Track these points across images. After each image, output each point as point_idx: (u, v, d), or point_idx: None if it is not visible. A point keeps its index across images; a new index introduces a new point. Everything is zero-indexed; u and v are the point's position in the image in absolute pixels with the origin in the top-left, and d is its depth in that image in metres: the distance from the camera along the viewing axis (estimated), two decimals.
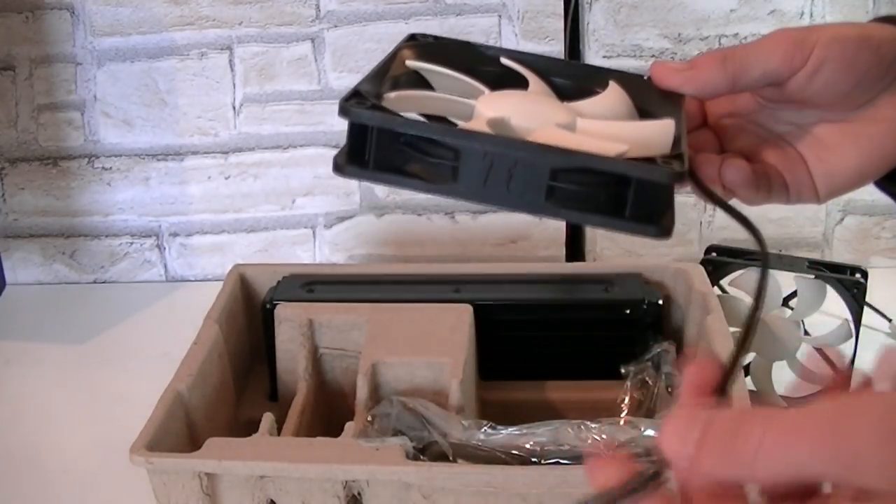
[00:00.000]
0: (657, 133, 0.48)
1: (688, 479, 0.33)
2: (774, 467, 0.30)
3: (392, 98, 0.48)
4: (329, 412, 0.76)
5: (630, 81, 0.53)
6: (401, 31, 0.98)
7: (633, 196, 0.44)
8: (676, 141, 0.47)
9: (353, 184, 1.03)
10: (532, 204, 0.45)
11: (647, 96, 0.52)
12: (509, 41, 0.98)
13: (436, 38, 0.55)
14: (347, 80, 1.00)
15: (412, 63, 0.52)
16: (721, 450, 0.31)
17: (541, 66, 0.54)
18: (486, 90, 0.51)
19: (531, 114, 0.48)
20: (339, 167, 0.46)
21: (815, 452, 0.29)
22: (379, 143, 0.45)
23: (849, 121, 0.52)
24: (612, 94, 0.52)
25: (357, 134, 0.46)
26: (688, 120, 0.51)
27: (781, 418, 0.31)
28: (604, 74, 0.54)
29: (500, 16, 0.98)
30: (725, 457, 0.31)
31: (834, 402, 0.31)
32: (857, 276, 0.74)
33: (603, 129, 0.48)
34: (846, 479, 0.30)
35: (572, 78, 0.54)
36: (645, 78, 0.53)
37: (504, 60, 0.54)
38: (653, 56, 0.98)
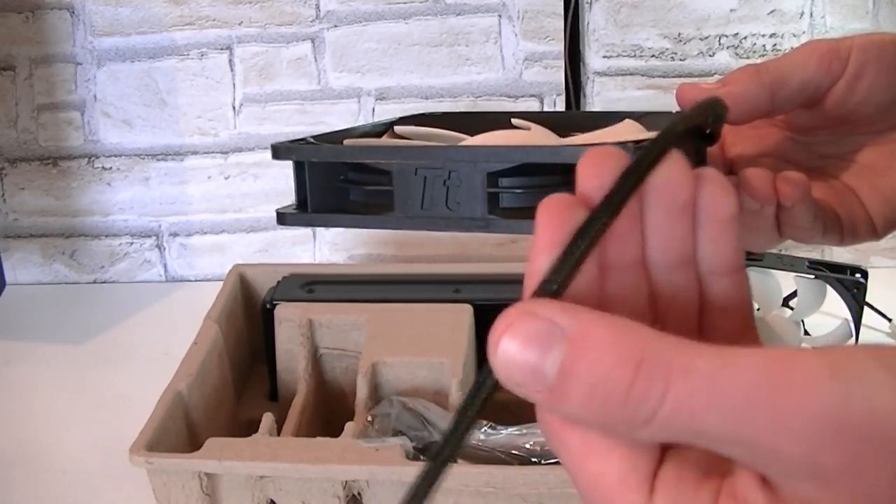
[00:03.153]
0: (630, 132, 0.44)
1: (541, 405, 0.25)
2: (669, 436, 0.23)
3: (349, 142, 0.45)
4: (329, 412, 0.76)
5: (651, 118, 0.48)
6: (401, 31, 0.98)
7: None
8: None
9: None
10: (476, 220, 0.39)
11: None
12: (509, 41, 0.98)
13: (433, 113, 0.52)
14: (347, 80, 1.00)
15: (399, 128, 0.50)
16: (600, 397, 0.23)
17: (552, 120, 0.49)
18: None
19: (517, 142, 0.44)
20: (281, 216, 0.43)
21: (730, 431, 0.22)
22: (315, 183, 0.43)
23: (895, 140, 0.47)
24: (622, 126, 0.48)
25: (299, 179, 0.43)
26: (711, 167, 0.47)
27: (692, 373, 0.22)
28: (623, 116, 0.49)
29: (500, 16, 0.98)
30: (605, 408, 0.23)
31: (768, 360, 0.23)
32: (857, 276, 0.74)
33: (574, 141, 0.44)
34: (759, 467, 0.24)
35: (586, 126, 0.49)
36: (673, 112, 0.47)
37: (515, 121, 0.49)
38: (653, 56, 0.98)
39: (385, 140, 0.48)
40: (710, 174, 0.29)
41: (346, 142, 0.45)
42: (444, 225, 0.40)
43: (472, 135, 0.47)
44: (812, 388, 0.22)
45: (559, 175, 0.38)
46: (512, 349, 0.24)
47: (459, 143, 0.45)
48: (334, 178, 0.43)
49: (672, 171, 0.28)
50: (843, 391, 0.22)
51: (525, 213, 0.39)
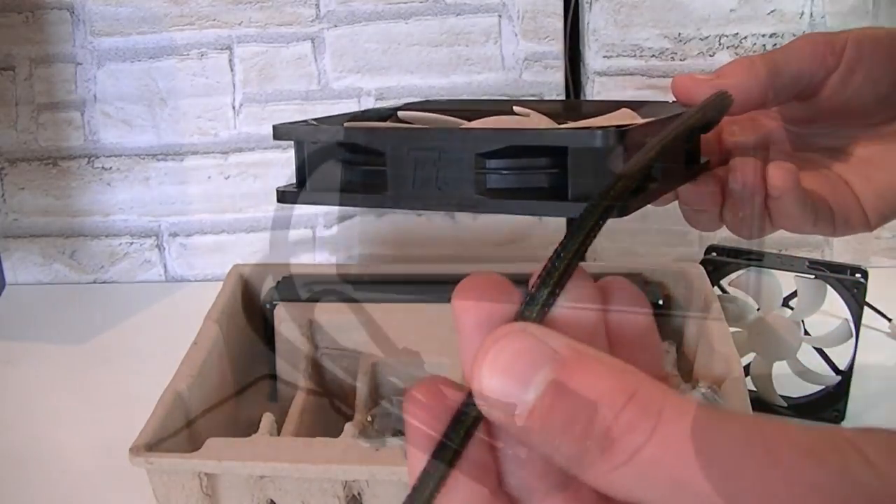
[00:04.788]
0: (625, 119, 0.45)
1: (507, 427, 0.22)
2: (640, 488, 0.21)
3: (349, 125, 0.47)
4: (329, 412, 0.76)
5: (647, 107, 0.48)
6: (401, 31, 0.98)
7: (573, 172, 0.39)
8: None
9: None
10: (466, 201, 0.41)
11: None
12: (509, 41, 0.98)
13: (438, 100, 0.54)
14: (347, 80, 1.00)
15: (403, 114, 0.51)
16: (583, 421, 0.21)
17: (553, 108, 0.50)
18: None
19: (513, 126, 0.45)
20: (282, 194, 0.45)
21: (713, 490, 0.20)
22: (312, 162, 0.44)
23: (891, 134, 0.47)
24: (616, 114, 0.48)
25: (299, 159, 0.45)
26: (706, 155, 0.46)
27: (687, 417, 0.21)
28: (621, 104, 0.49)
29: (500, 16, 0.98)
30: (585, 436, 0.21)
31: (758, 427, 0.21)
32: (857, 276, 0.73)
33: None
34: None
35: (585, 114, 0.49)
36: (670, 102, 0.48)
37: (516, 108, 0.50)
38: (653, 56, 0.97)
39: (381, 123, 0.48)
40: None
41: (346, 124, 0.46)
42: (434, 204, 0.42)
43: (471, 121, 0.47)
44: (800, 460, 0.20)
45: (543, 157, 0.40)
46: (501, 362, 0.22)
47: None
48: (332, 159, 0.44)
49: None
50: (836, 466, 0.20)
51: (511, 194, 0.40)
